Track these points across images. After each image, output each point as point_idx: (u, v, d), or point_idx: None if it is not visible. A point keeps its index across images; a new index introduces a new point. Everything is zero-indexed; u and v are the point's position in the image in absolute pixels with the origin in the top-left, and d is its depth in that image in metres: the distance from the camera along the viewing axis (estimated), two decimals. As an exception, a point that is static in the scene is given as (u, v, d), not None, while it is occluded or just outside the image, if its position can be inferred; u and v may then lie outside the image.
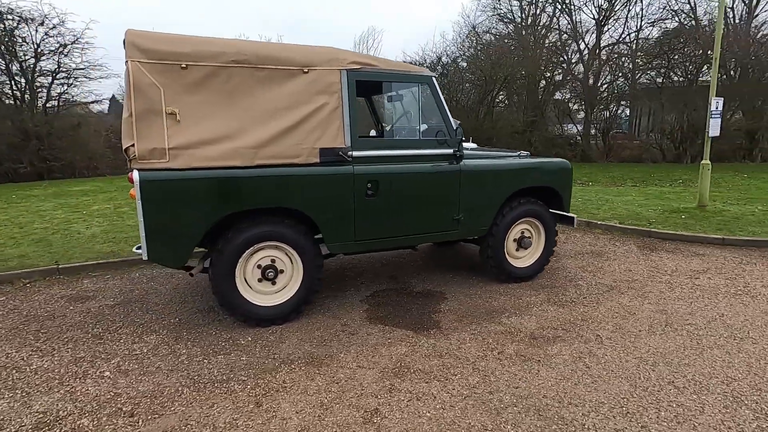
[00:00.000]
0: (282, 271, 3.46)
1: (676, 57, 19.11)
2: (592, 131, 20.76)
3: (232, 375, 2.79)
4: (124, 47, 2.90)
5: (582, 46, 22.43)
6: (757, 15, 21.63)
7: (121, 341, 3.26)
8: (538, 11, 24.38)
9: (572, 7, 23.08)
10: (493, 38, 24.18)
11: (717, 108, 7.42)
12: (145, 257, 3.03)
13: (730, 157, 17.67)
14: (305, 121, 3.26)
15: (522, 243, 4.32)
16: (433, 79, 3.67)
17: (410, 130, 3.78)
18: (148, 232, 2.98)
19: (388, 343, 3.19)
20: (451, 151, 3.79)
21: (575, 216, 4.45)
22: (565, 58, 23.03)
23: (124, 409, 2.47)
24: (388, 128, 3.90)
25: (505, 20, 25.36)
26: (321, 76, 3.31)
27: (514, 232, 4.27)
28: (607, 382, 2.66)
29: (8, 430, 2.29)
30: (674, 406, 2.43)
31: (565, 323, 3.49)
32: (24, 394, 2.60)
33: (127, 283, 4.54)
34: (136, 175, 2.88)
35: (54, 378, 2.78)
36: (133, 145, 2.87)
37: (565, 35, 23.83)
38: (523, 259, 4.39)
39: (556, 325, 3.46)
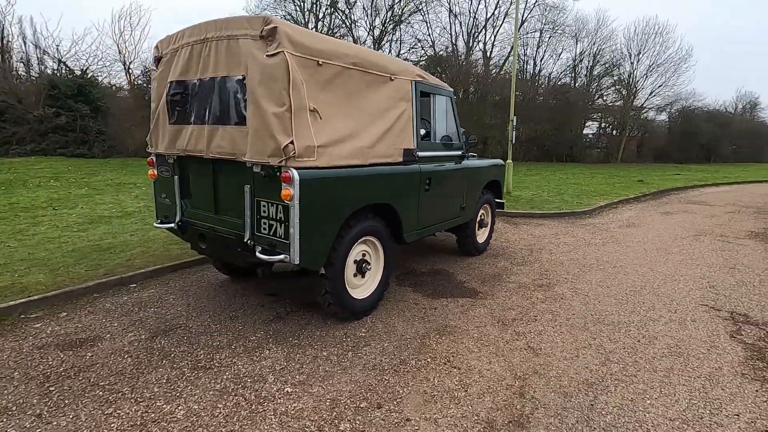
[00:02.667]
0: (369, 263, 3.68)
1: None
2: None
3: (400, 357, 3.05)
4: (272, 36, 2.67)
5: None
6: (471, 54, 29.78)
7: (238, 365, 2.88)
8: (316, 20, 26.52)
9: (351, 23, 26.28)
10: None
11: (515, 123, 10.63)
12: (296, 261, 2.84)
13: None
14: (395, 123, 3.62)
15: (481, 224, 5.64)
16: (452, 93, 4.52)
17: (441, 135, 4.48)
18: (302, 233, 2.82)
19: (466, 309, 3.94)
20: (460, 152, 4.72)
21: (504, 201, 6.06)
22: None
23: (362, 405, 2.50)
24: (432, 132, 4.43)
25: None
26: (401, 85, 3.71)
27: (478, 216, 5.55)
28: (605, 300, 4.24)
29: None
30: (644, 302, 4.19)
31: (541, 275, 4.99)
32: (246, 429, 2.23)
33: (113, 314, 3.57)
34: (295, 174, 2.72)
35: (239, 411, 2.40)
36: (292, 143, 2.70)
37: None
38: (480, 236, 5.72)
39: (538, 277, 4.92)
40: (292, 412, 2.42)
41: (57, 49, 18.54)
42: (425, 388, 2.69)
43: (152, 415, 2.35)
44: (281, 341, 3.21)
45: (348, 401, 2.53)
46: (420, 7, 28.76)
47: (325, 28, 26.60)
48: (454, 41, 29.81)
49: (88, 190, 9.83)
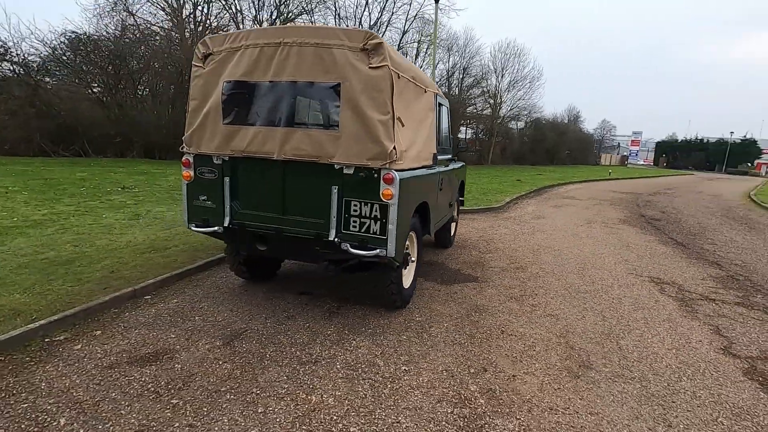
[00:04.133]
0: (411, 256, 4.08)
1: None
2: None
3: (466, 333, 3.56)
4: (376, 51, 2.93)
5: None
6: None
7: (340, 356, 3.06)
8: (193, 7, 24.36)
9: (237, 12, 24.87)
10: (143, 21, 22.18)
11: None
12: (392, 255, 3.11)
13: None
14: (429, 130, 4.08)
15: (452, 219, 6.38)
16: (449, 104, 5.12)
17: (444, 140, 5.00)
18: (398, 229, 3.11)
19: (480, 291, 4.60)
20: (450, 156, 5.36)
21: (463, 199, 6.91)
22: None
23: (471, 371, 2.95)
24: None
25: (157, 4, 23.74)
26: (429, 96, 4.18)
27: (450, 212, 6.28)
28: (569, 276, 5.31)
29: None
30: (594, 275, 5.37)
31: (510, 260, 5.92)
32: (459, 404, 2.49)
33: (158, 327, 3.33)
34: (396, 175, 3.02)
35: (380, 389, 2.64)
36: (395, 147, 2.99)
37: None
38: (452, 230, 6.46)
39: (509, 261, 5.84)
40: (424, 384, 2.75)
41: None
42: (505, 352, 3.25)
43: (306, 407, 2.46)
44: (357, 332, 3.43)
45: (458, 369, 2.96)
46: (307, 9, 28.78)
47: (203, 16, 24.58)
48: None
49: (-50, 195, 7.96)
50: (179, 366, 2.80)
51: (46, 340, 3.04)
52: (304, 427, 2.29)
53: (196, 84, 3.44)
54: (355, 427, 2.31)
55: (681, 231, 8.95)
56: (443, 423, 2.39)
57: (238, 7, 26.04)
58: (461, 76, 36.72)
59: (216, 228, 3.54)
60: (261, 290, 4.22)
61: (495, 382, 2.84)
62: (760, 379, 3.10)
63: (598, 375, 3.01)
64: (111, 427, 2.21)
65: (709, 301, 4.67)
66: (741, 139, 57.39)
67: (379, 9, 31.70)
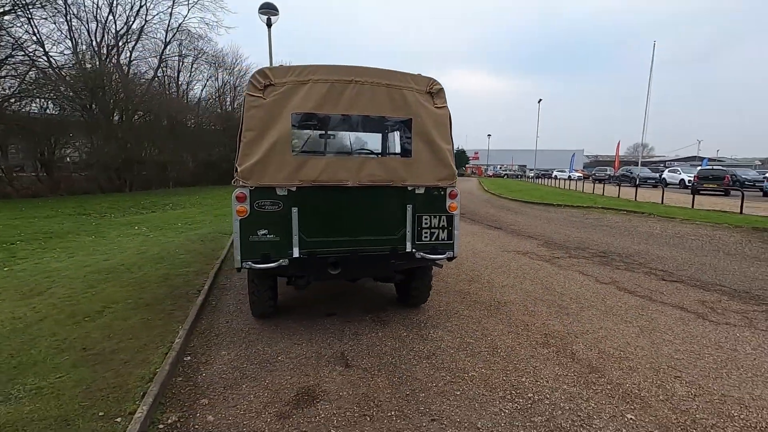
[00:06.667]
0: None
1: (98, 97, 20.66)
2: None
3: (483, 310, 4.59)
4: (439, 94, 3.65)
5: None
6: (109, 69, 26.94)
7: (442, 345, 3.62)
8: None
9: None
10: None
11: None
12: (457, 254, 3.84)
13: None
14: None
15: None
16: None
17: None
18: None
19: (445, 283, 5.68)
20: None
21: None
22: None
23: (521, 328, 4.03)
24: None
25: None
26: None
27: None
28: (480, 262, 6.97)
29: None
30: (486, 257, 7.20)
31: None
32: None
33: (258, 376, 3.08)
34: (458, 191, 3.80)
35: (508, 352, 3.42)
36: (455, 170, 3.78)
37: None
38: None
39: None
40: (515, 344, 3.67)
41: None
42: (519, 314, 4.45)
43: (485, 374, 3.02)
44: (426, 328, 3.99)
45: (516, 330, 3.98)
46: (20, 3, 22.96)
47: None
48: (76, 49, 25.61)
49: None
50: (346, 393, 2.85)
51: (160, 426, 2.47)
52: (507, 385, 2.90)
53: (254, 115, 3.29)
54: (523, 379, 3.07)
55: (487, 219, 12.19)
56: (556, 358, 3.41)
57: None
58: (233, 95, 36.34)
59: (280, 262, 3.44)
60: (288, 322, 4.12)
61: (541, 329, 4.01)
62: (627, 290, 5.30)
63: (574, 310, 4.57)
64: (379, 450, 2.30)
65: (558, 258, 7.10)
66: (456, 150, 76.75)
67: (126, 14, 28.25)
